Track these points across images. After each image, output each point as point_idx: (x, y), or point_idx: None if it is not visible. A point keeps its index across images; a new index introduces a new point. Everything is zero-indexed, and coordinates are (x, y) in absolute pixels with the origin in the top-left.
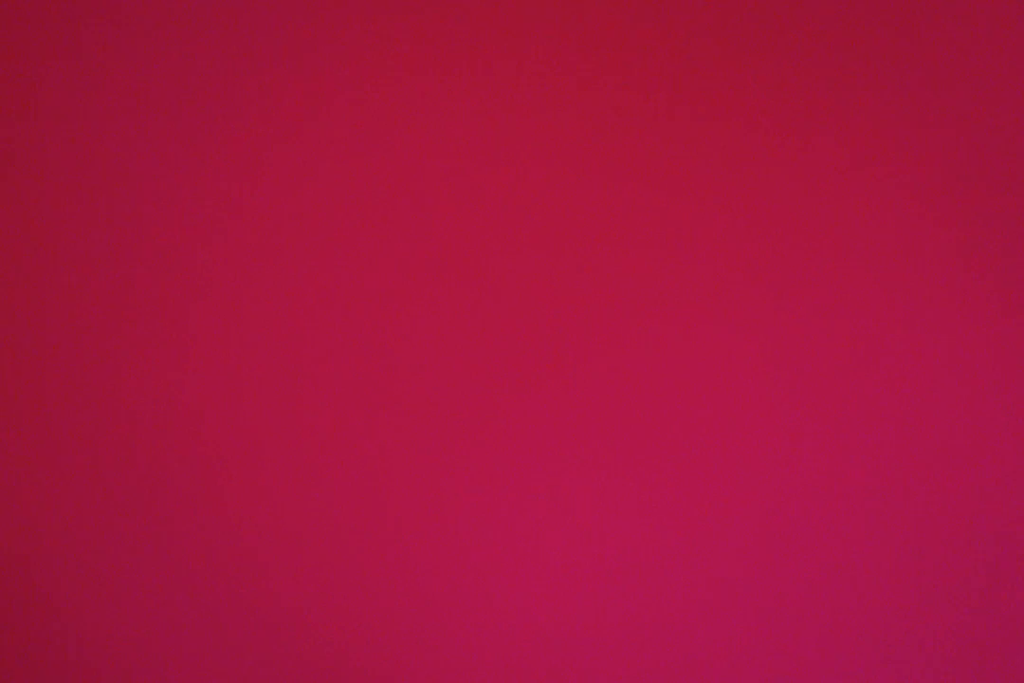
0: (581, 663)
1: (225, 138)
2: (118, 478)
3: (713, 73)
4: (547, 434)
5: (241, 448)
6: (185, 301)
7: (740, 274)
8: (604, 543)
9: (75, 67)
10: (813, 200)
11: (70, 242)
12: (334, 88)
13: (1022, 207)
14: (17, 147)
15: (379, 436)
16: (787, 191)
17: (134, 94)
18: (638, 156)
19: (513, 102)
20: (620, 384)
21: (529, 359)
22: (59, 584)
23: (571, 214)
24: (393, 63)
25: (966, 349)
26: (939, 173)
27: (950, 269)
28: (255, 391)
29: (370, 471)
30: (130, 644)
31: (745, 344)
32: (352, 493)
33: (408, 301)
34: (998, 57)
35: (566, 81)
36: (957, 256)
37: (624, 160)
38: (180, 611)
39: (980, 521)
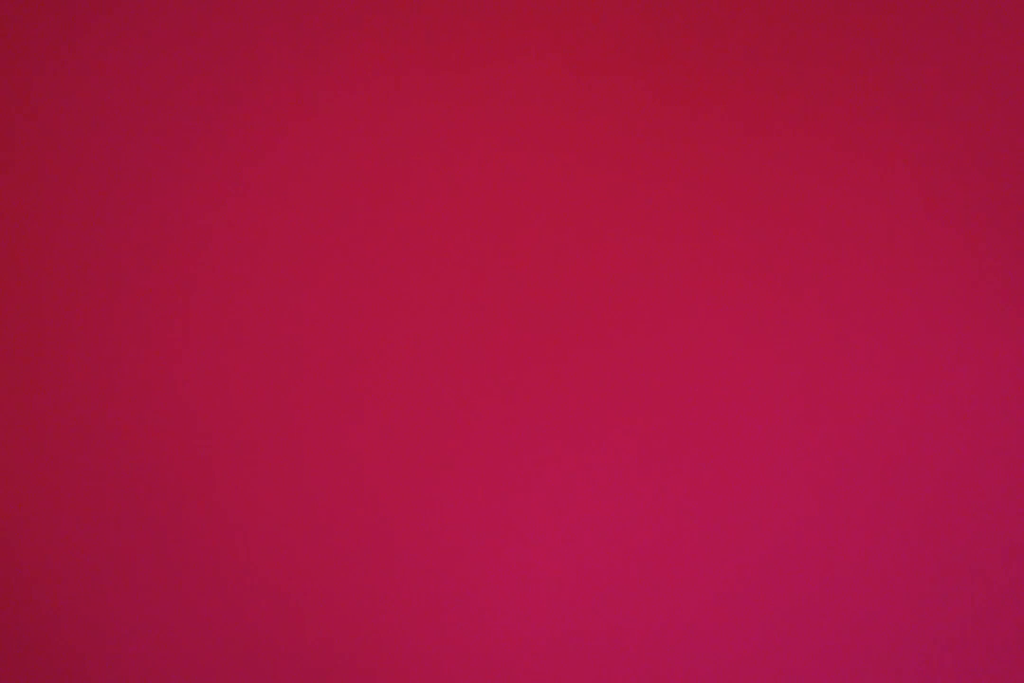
0: (579, 663)
1: (217, 137)
2: (111, 476)
3: (716, 67)
4: (546, 432)
5: (236, 445)
6: (179, 296)
7: (740, 274)
8: (602, 543)
9: (73, 66)
10: (814, 196)
11: (64, 239)
12: (329, 84)
13: None
14: (13, 145)
15: (374, 433)
16: (787, 188)
17: (129, 90)
18: (638, 153)
19: (509, 99)
20: (618, 384)
21: (528, 358)
22: (54, 582)
23: (568, 210)
24: (390, 61)
25: (969, 346)
26: (942, 169)
27: (955, 266)
28: (249, 390)
29: (365, 467)
30: (126, 642)
31: (744, 343)
32: (346, 488)
33: (402, 296)
34: (1000, 54)
35: (565, 78)
36: (962, 253)
37: (623, 156)
38: (176, 608)
39: (984, 523)
